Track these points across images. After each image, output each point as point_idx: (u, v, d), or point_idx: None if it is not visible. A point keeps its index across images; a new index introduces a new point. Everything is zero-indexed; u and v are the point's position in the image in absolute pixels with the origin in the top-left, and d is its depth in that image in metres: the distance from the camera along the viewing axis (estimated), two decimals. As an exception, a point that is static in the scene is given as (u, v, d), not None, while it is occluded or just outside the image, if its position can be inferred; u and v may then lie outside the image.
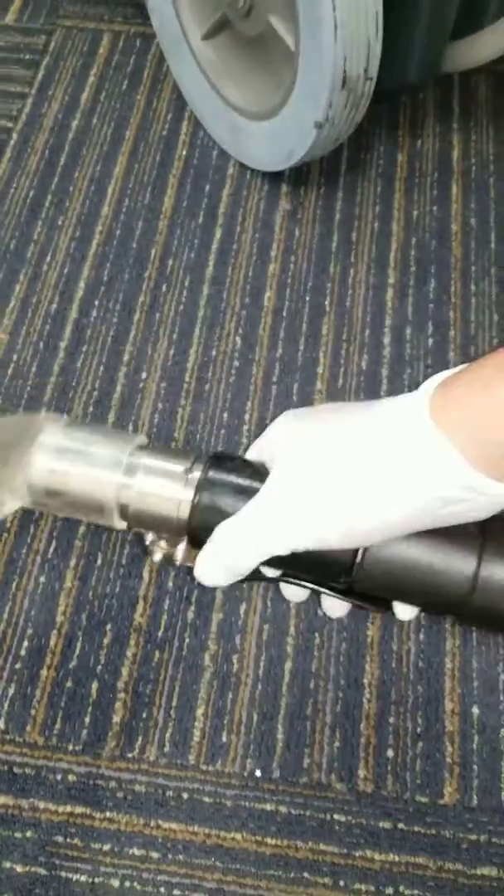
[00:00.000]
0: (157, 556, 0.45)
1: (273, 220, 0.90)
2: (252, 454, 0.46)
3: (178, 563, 0.45)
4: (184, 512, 0.42)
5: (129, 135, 0.97)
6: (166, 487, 0.42)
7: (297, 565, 0.44)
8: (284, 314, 0.84)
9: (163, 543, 0.45)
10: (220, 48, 0.91)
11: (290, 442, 0.42)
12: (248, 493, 0.42)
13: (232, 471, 0.43)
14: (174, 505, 0.42)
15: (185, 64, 0.94)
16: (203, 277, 0.87)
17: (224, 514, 0.42)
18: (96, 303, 0.85)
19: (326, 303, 0.85)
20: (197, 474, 0.42)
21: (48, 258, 0.88)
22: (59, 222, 0.90)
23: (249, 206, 0.91)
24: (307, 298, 0.85)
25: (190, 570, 0.44)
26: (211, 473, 0.42)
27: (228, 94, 0.90)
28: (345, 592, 0.48)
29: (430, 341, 0.82)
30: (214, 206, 0.91)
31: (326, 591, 0.48)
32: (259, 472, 0.42)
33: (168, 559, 0.45)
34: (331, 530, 0.40)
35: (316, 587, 0.49)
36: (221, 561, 0.42)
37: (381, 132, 0.96)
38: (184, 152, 0.96)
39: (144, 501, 0.43)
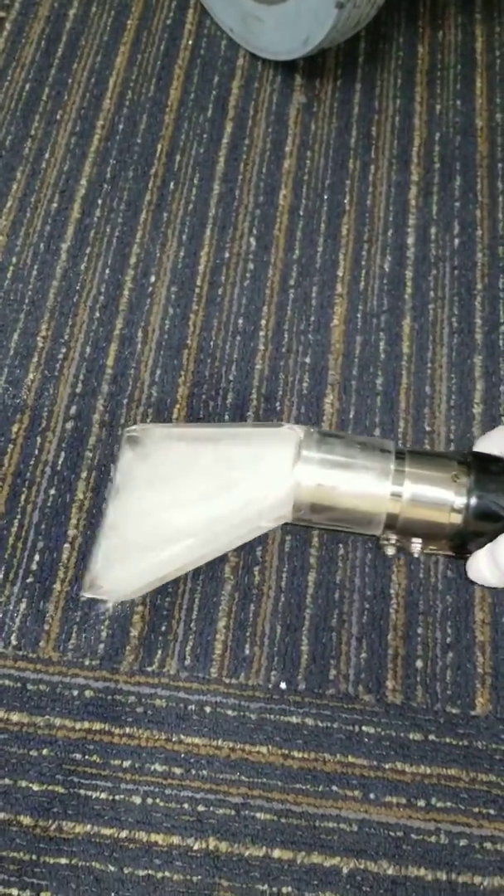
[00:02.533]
0: (391, 551, 0.44)
1: (287, 113, 0.85)
2: (497, 446, 0.42)
3: (416, 555, 0.43)
4: (456, 518, 0.40)
5: (131, 24, 0.91)
6: (437, 494, 0.41)
7: None
8: (301, 213, 0.79)
9: (394, 538, 0.43)
10: None
11: None
12: None
13: (499, 473, 0.40)
14: (446, 511, 0.41)
15: None
16: (213, 174, 0.81)
17: (499, 518, 0.40)
18: (99, 202, 0.80)
19: (346, 201, 0.80)
20: (465, 479, 0.40)
21: (47, 155, 0.82)
22: (58, 116, 0.85)
23: (261, 99, 0.85)
24: (325, 197, 0.80)
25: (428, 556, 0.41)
26: (480, 476, 0.41)
27: (238, -24, 0.83)
28: None
29: (457, 241, 0.77)
30: (224, 99, 0.86)
31: None
32: None
33: (402, 550, 0.43)
34: None
35: None
36: (497, 567, 0.42)
37: (401, 23, 0.90)
38: (190, 42, 0.89)
39: (415, 510, 0.41)
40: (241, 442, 0.49)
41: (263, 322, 0.74)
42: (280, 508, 0.45)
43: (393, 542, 0.44)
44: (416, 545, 0.44)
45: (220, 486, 0.48)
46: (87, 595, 0.52)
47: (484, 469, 0.42)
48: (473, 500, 0.41)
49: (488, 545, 0.42)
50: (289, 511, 0.45)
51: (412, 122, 0.85)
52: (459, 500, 0.41)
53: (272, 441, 0.46)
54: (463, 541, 0.42)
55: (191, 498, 0.49)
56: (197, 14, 0.91)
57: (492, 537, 0.42)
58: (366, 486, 0.42)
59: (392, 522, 0.43)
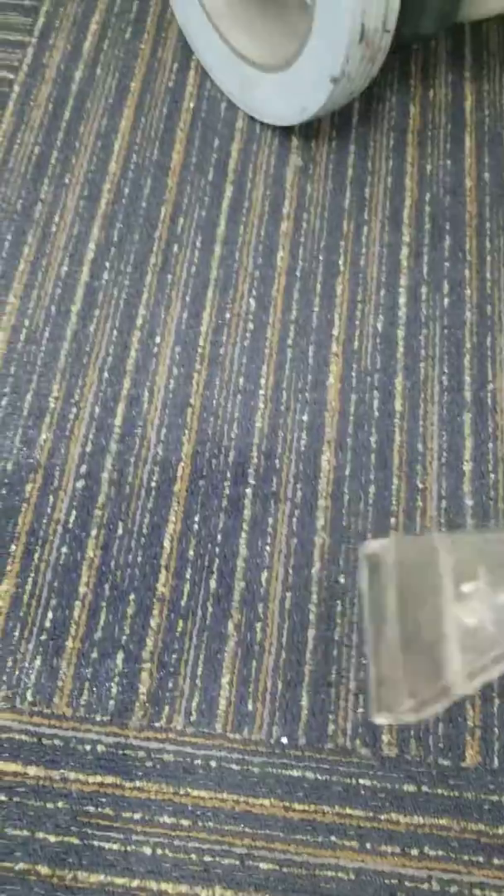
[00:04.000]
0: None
1: (284, 175, 0.89)
2: None
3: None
4: None
5: (135, 86, 0.95)
6: None
7: None
8: (298, 274, 0.83)
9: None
10: (229, -4, 0.88)
11: None
12: None
13: None
14: None
15: (192, 11, 0.91)
16: (214, 237, 0.85)
17: None
18: (107, 265, 0.84)
19: (340, 262, 0.84)
20: None
21: (56, 218, 0.86)
22: (66, 180, 0.89)
23: (260, 162, 0.89)
24: (321, 258, 0.84)
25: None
26: None
27: (238, 45, 0.87)
28: None
29: (447, 301, 0.81)
30: (224, 162, 0.90)
31: None
32: None
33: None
34: None
35: None
36: None
37: (394, 82, 0.94)
38: (191, 104, 0.93)
39: None
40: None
41: (263, 381, 0.78)
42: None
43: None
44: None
45: (495, 591, 0.47)
46: (379, 721, 0.52)
47: None
48: None
49: None
50: None
51: (404, 182, 0.89)
52: None
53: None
54: None
55: (459, 609, 0.48)
56: (198, 76, 0.95)
57: None
58: None
59: None
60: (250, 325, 0.80)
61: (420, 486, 0.72)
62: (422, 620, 0.50)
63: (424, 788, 0.61)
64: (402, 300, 0.81)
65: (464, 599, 0.48)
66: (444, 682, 0.49)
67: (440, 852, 0.59)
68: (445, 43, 0.96)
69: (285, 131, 0.90)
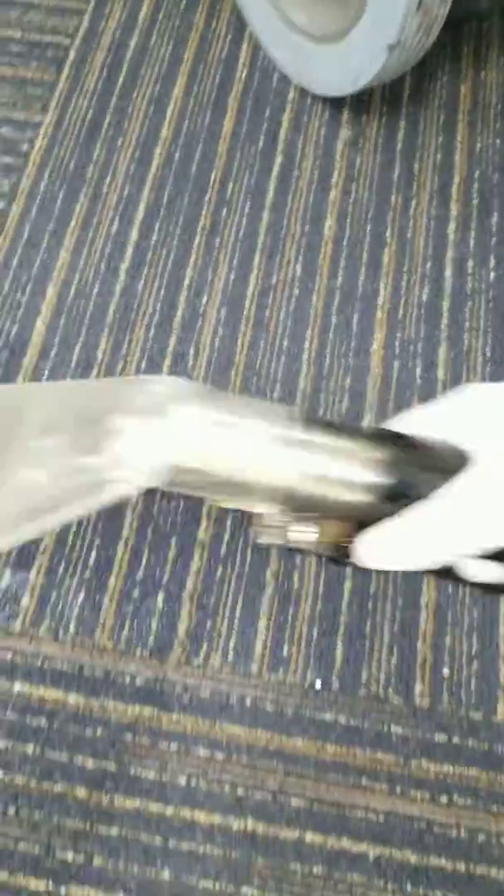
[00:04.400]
0: (264, 539, 0.39)
1: (334, 147, 0.90)
2: (417, 425, 0.39)
3: (297, 545, 0.39)
4: (370, 496, 0.36)
5: (188, 56, 0.96)
6: (349, 470, 0.36)
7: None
8: (345, 243, 0.84)
9: (281, 523, 0.39)
10: (286, -33, 0.89)
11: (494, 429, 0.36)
12: (441, 475, 0.36)
13: (418, 450, 0.37)
14: (359, 489, 0.36)
15: (249, -17, 0.92)
16: (263, 203, 0.87)
17: (406, 498, 0.36)
18: (156, 226, 0.85)
19: (387, 233, 0.85)
20: (381, 453, 0.36)
21: (108, 179, 0.88)
22: (119, 143, 0.90)
23: (310, 133, 0.91)
24: (368, 228, 0.85)
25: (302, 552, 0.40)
26: (397, 451, 0.37)
27: (292, 15, 0.89)
28: None
29: (493, 275, 0.82)
30: (274, 132, 0.91)
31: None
32: (449, 455, 0.37)
33: (276, 540, 0.40)
34: None
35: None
36: (406, 547, 0.37)
37: (445, 61, 0.95)
38: (243, 75, 0.95)
39: (320, 486, 0.36)
40: (108, 398, 0.42)
41: (307, 344, 0.79)
42: (149, 472, 0.37)
43: (272, 523, 0.39)
44: (296, 533, 0.39)
45: (66, 444, 0.42)
46: None
47: (400, 445, 0.37)
48: (391, 479, 0.36)
49: (392, 521, 0.37)
50: (160, 475, 0.37)
51: (453, 158, 0.90)
52: (375, 477, 0.36)
53: (148, 395, 0.39)
54: (368, 520, 0.38)
55: (32, 456, 0.42)
56: (251, 47, 0.96)
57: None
58: (262, 454, 0.36)
59: (287, 499, 0.37)
60: (296, 291, 0.82)
61: (459, 450, 0.73)
62: None
63: (455, 739, 0.62)
64: (447, 272, 0.83)
65: (34, 454, 0.41)
66: None
67: (469, 801, 0.60)
68: (499, 24, 0.97)
69: (336, 105, 0.92)
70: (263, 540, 0.37)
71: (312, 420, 0.37)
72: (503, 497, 0.35)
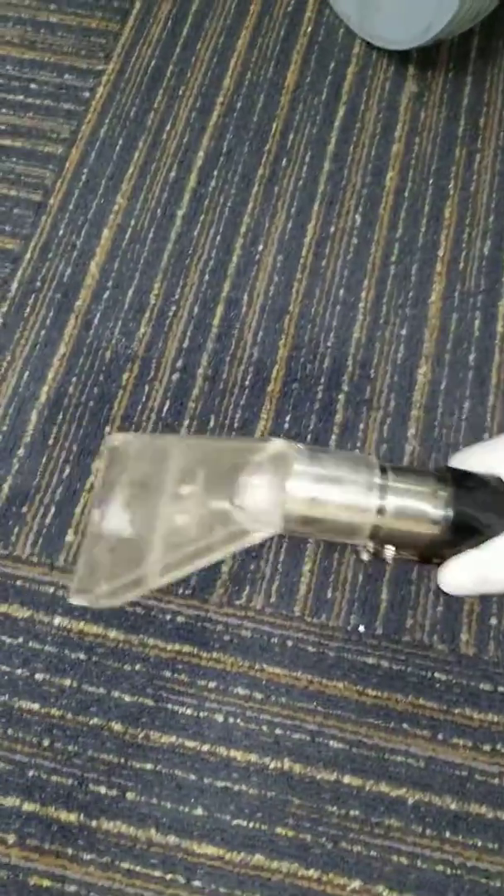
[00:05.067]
0: (365, 556, 0.46)
1: (398, 101, 0.88)
2: (478, 464, 0.46)
3: (388, 561, 0.46)
4: (436, 529, 0.43)
5: (254, 9, 0.95)
6: (419, 508, 0.43)
7: None
8: (406, 195, 0.83)
9: (370, 545, 0.46)
10: None
11: None
12: (498, 513, 0.43)
13: (477, 489, 0.44)
14: (427, 524, 0.43)
15: None
16: (324, 154, 0.85)
17: (474, 532, 0.43)
18: (215, 173, 0.84)
19: (450, 186, 0.83)
20: (444, 493, 0.43)
21: (168, 127, 0.87)
22: (180, 92, 0.89)
23: (374, 86, 0.89)
24: (430, 181, 0.83)
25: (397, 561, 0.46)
26: (458, 491, 0.44)
27: (362, -34, 0.87)
28: None
29: None
30: (338, 85, 0.89)
31: None
32: (500, 493, 0.44)
33: (376, 556, 0.46)
34: None
35: None
36: (480, 580, 0.43)
37: (516, 16, 0.93)
38: (309, 29, 0.93)
39: (398, 522, 0.44)
40: (230, 454, 0.50)
41: (363, 294, 0.77)
42: (271, 522, 0.46)
43: (370, 548, 0.47)
44: (389, 552, 0.47)
45: (208, 496, 0.50)
46: (74, 601, 0.55)
47: (460, 484, 0.46)
48: (451, 513, 0.45)
49: (469, 554, 0.45)
50: (279, 524, 0.47)
51: (520, 115, 0.87)
52: (438, 513, 0.44)
53: (264, 455, 0.47)
54: (436, 550, 0.45)
55: (174, 509, 0.50)
56: (317, 2, 0.95)
57: (465, 548, 0.44)
58: (353, 500, 0.45)
59: (375, 533, 0.46)
60: (354, 240, 0.80)
61: (515, 404, 0.71)
62: (140, 515, 0.50)
63: (501, 688, 0.60)
64: (509, 226, 0.80)
65: (179, 500, 0.49)
66: (140, 572, 0.49)
67: (512, 752, 0.59)
68: None
69: (402, 59, 0.90)
70: (364, 557, 0.44)
71: (389, 467, 0.44)
72: None
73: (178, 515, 0.49)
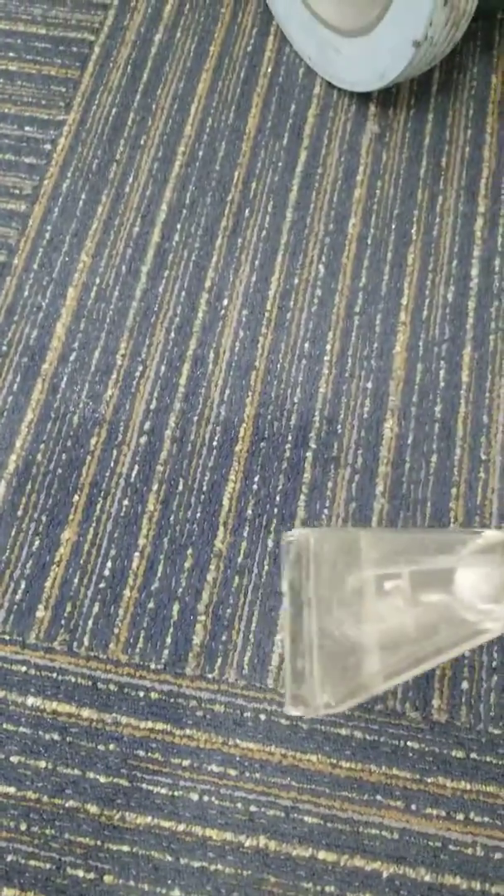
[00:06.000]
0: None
1: (360, 142, 0.88)
2: None
3: None
4: None
5: (213, 50, 0.95)
6: None
7: None
8: (369, 242, 0.83)
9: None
10: (311, -41, 0.87)
11: None
12: None
13: None
14: None
15: (274, -24, 0.90)
16: (286, 202, 0.85)
17: None
18: (178, 227, 0.84)
19: (413, 231, 0.83)
20: None
21: (130, 179, 0.87)
22: (142, 141, 0.89)
23: (336, 128, 0.89)
24: (393, 226, 0.83)
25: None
26: None
27: (319, 10, 0.87)
28: None
29: (520, 274, 0.80)
30: (299, 127, 0.89)
31: None
32: None
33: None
34: None
35: None
36: None
37: (476, 52, 0.93)
38: (269, 69, 0.93)
39: None
40: (435, 545, 0.47)
41: (328, 347, 0.78)
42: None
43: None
44: None
45: (419, 591, 0.46)
46: (293, 713, 0.52)
47: None
48: None
49: None
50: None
51: (482, 152, 0.87)
52: None
53: (479, 544, 0.45)
54: None
55: (382, 606, 0.47)
56: (277, 41, 0.95)
57: None
58: None
59: None
60: (318, 291, 0.80)
61: (483, 457, 0.72)
62: (341, 615, 0.49)
63: (473, 755, 0.61)
64: (474, 271, 0.80)
65: (385, 597, 0.47)
66: (361, 680, 0.48)
67: (486, 819, 0.59)
68: (531, 12, 0.94)
69: (363, 99, 0.90)
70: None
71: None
72: None
73: (387, 614, 0.47)
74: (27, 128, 0.91)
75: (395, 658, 0.48)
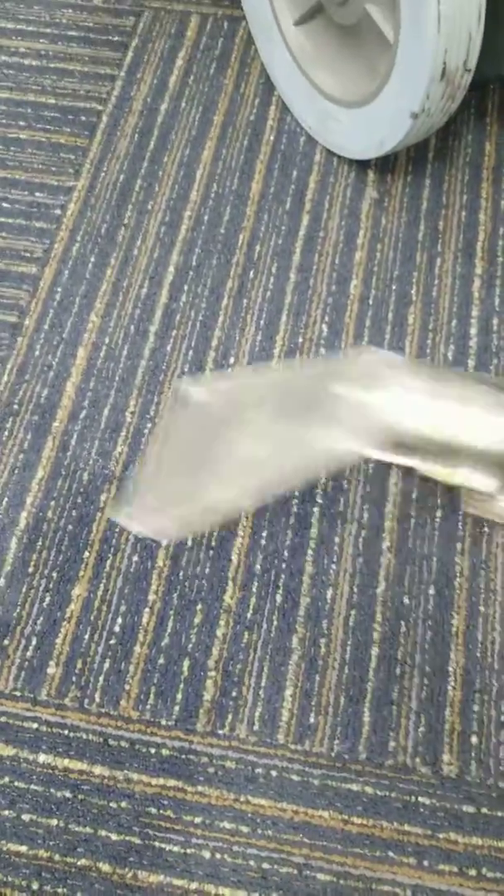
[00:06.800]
0: (471, 509, 0.44)
1: (360, 207, 0.91)
2: None
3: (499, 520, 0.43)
4: None
5: (217, 119, 0.98)
6: None
7: None
8: (370, 302, 0.85)
9: (482, 499, 0.43)
10: (312, 34, 0.91)
11: None
12: None
13: None
14: None
15: (276, 49, 0.94)
16: (290, 264, 0.88)
17: None
18: (185, 287, 0.87)
19: (413, 292, 0.85)
20: None
21: (138, 242, 0.90)
22: (149, 206, 0.92)
23: (336, 194, 0.92)
24: (393, 287, 0.86)
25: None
26: None
27: (319, 81, 0.90)
28: None
29: (518, 333, 0.82)
30: (301, 193, 0.92)
31: None
32: None
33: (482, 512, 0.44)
34: None
35: None
36: None
37: (470, 120, 0.96)
38: (271, 137, 0.96)
39: None
40: (304, 377, 0.49)
41: (334, 405, 0.79)
42: (366, 436, 0.43)
43: (479, 497, 0.43)
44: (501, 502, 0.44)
45: (294, 423, 0.48)
46: (141, 532, 0.55)
47: None
48: None
49: None
50: (375, 436, 0.43)
51: (478, 216, 0.90)
52: None
53: (354, 370, 0.45)
54: None
55: (260, 436, 0.49)
56: (279, 111, 0.98)
57: None
58: (476, 415, 0.42)
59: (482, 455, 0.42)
60: (322, 351, 0.82)
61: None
62: (203, 447, 0.51)
63: (484, 810, 0.61)
64: (473, 331, 0.83)
65: (245, 430, 0.49)
66: (211, 501, 0.50)
67: (499, 874, 0.59)
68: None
69: (362, 165, 0.93)
70: (471, 510, 0.40)
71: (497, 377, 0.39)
72: None
73: (258, 448, 0.49)
74: (38, 193, 0.94)
75: (250, 482, 0.49)
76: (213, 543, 0.72)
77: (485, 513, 0.42)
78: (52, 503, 0.74)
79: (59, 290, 0.87)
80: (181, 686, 0.66)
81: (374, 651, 0.67)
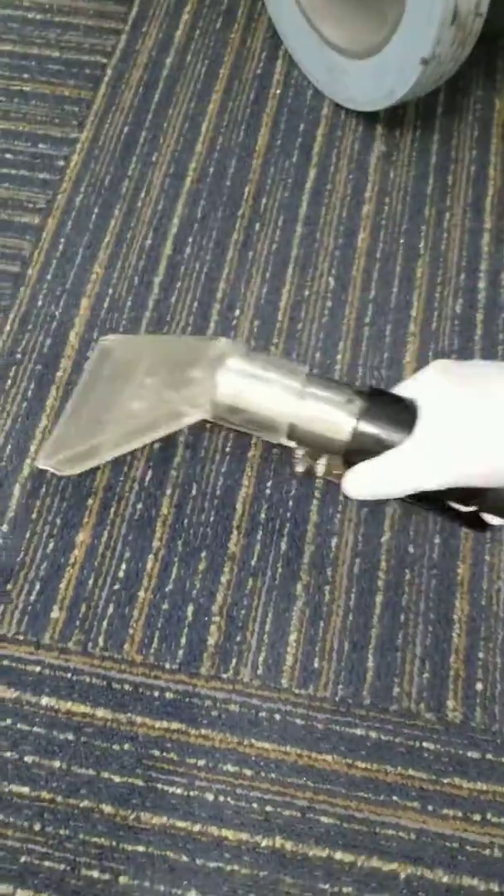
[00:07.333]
0: (300, 468, 0.51)
1: (368, 161, 0.90)
2: (400, 391, 0.50)
3: (317, 476, 0.52)
4: (345, 435, 0.48)
5: (223, 73, 0.97)
6: (332, 413, 0.49)
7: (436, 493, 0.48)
8: (378, 256, 0.84)
9: (306, 458, 0.50)
10: (321, -16, 0.89)
11: (440, 396, 0.46)
12: (401, 427, 0.47)
13: (387, 404, 0.48)
14: (337, 429, 0.49)
15: (284, 2, 0.93)
16: (296, 217, 0.87)
17: (379, 442, 0.48)
18: (190, 240, 0.86)
19: (421, 246, 0.84)
20: (358, 404, 0.48)
21: (142, 194, 0.89)
22: (154, 159, 0.91)
23: (344, 147, 0.91)
24: (401, 241, 0.85)
25: (328, 483, 0.49)
26: (370, 404, 0.48)
27: (327, 33, 0.89)
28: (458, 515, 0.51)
29: (527, 287, 0.81)
30: (308, 146, 0.91)
31: (443, 514, 0.51)
32: (409, 409, 0.47)
33: (308, 472, 0.51)
34: (477, 473, 0.45)
35: (434, 510, 0.52)
36: (374, 484, 0.48)
37: (480, 76, 0.95)
38: (277, 91, 0.95)
39: (312, 424, 0.50)
40: (189, 352, 0.56)
41: (339, 357, 0.79)
42: (201, 406, 0.52)
43: (300, 457, 0.51)
44: (320, 466, 0.50)
45: (161, 383, 0.57)
46: (40, 465, 0.65)
47: (374, 398, 0.48)
48: (360, 423, 0.47)
49: (367, 461, 0.47)
50: (209, 407, 0.52)
51: (487, 171, 0.89)
52: (349, 421, 0.48)
53: (211, 352, 0.53)
54: (350, 456, 0.49)
55: (134, 396, 0.57)
56: (285, 65, 0.97)
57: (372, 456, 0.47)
58: (274, 397, 0.50)
59: (292, 432, 0.50)
60: (329, 303, 0.81)
61: (493, 463, 0.72)
62: (109, 401, 0.59)
63: (489, 756, 0.61)
64: (481, 284, 0.82)
65: (141, 389, 0.57)
66: (93, 443, 0.59)
67: (503, 819, 0.59)
68: (534, 37, 0.96)
69: (370, 119, 0.91)
70: (298, 469, 0.51)
71: (314, 376, 0.51)
72: (443, 453, 0.45)
73: (135, 402, 0.57)
74: (41, 145, 0.92)
75: (124, 433, 0.58)
76: (218, 493, 0.71)
77: (311, 474, 0.50)
78: (55, 452, 0.73)
79: (63, 240, 0.85)
80: (185, 631, 0.66)
81: (379, 598, 0.67)
